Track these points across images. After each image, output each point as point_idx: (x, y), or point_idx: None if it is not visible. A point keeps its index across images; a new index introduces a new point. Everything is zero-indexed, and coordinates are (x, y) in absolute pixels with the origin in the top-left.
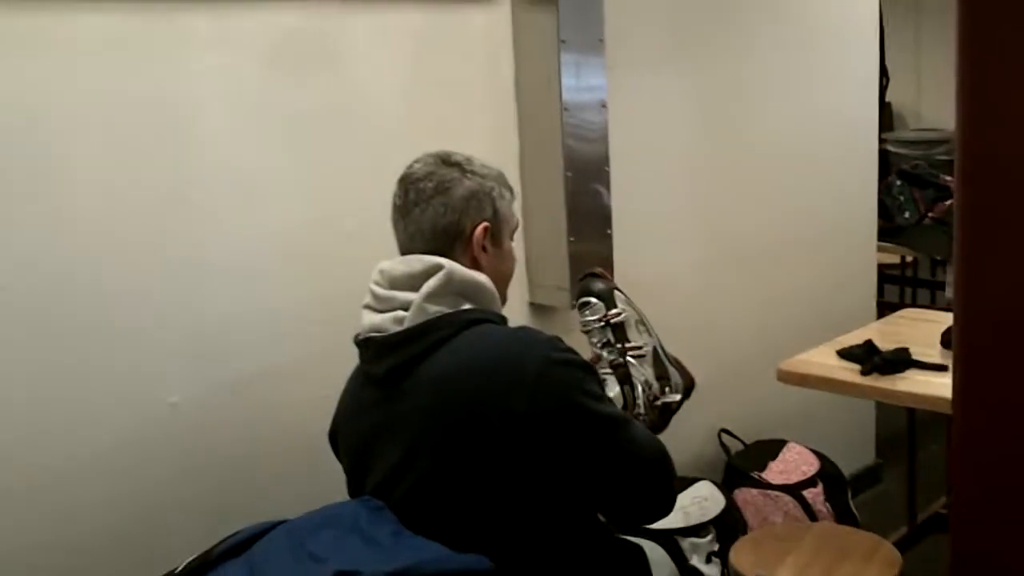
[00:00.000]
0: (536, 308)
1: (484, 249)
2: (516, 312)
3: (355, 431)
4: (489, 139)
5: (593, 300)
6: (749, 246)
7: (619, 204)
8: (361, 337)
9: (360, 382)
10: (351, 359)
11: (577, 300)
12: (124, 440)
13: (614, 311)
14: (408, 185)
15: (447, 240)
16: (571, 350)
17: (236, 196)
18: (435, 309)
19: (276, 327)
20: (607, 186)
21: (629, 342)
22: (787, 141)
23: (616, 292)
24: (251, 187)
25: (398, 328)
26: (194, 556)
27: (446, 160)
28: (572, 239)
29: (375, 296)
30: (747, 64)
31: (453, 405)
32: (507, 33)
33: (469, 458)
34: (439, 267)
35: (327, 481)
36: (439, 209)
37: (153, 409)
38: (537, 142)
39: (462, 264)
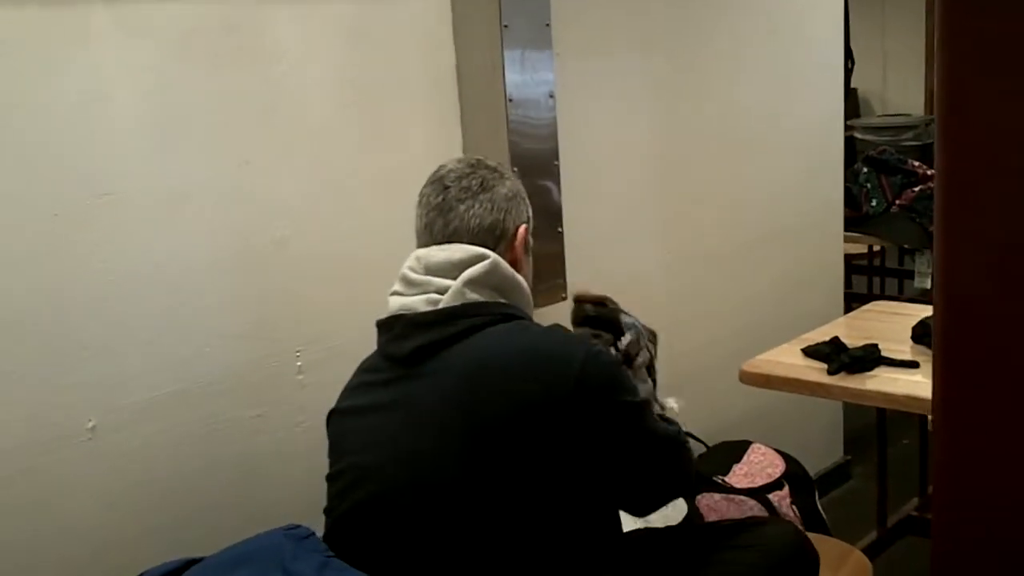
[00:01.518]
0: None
1: (523, 252)
2: None
3: (356, 409)
4: (430, 136)
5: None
6: (710, 241)
7: (570, 201)
8: (387, 316)
9: (374, 364)
10: (281, 377)
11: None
12: (39, 467)
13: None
14: (448, 183)
15: (492, 238)
16: (603, 348)
17: (152, 204)
18: (473, 296)
19: (199, 343)
20: (557, 182)
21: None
22: (749, 130)
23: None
24: (168, 194)
25: (431, 308)
26: None
27: (482, 163)
28: None
29: (407, 281)
30: (706, 51)
31: (487, 392)
32: (447, 20)
33: (501, 446)
34: (484, 256)
35: (255, 508)
36: (486, 206)
37: (70, 434)
38: (481, 137)
39: None
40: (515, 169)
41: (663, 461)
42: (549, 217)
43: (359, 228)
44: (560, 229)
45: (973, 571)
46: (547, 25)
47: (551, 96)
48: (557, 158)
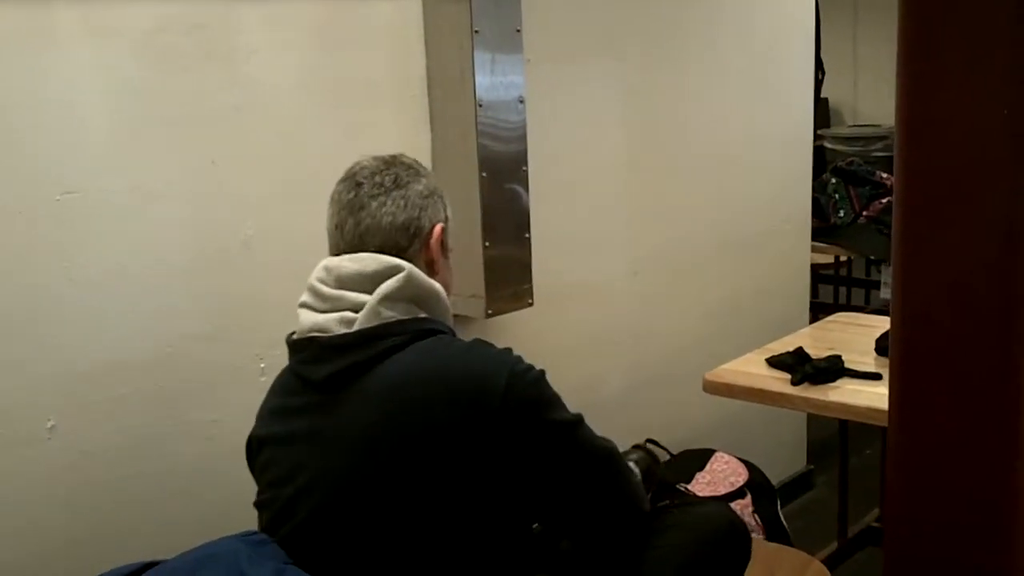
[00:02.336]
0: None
1: (439, 253)
2: None
3: (277, 438)
4: (398, 139)
5: None
6: (678, 249)
7: (538, 207)
8: (299, 337)
9: (289, 386)
10: (243, 379)
11: None
12: None
13: None
14: (360, 180)
15: (406, 236)
16: (528, 364)
17: (117, 204)
18: (389, 314)
19: (162, 344)
20: (525, 187)
21: None
22: (718, 139)
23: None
24: (134, 193)
25: (346, 330)
26: None
27: (397, 160)
28: (487, 244)
29: (318, 294)
30: (676, 59)
31: (407, 417)
32: (417, 24)
33: (426, 472)
34: (398, 268)
35: (213, 512)
36: (399, 203)
37: (29, 434)
38: (450, 141)
39: (419, 268)
40: (484, 174)
41: (601, 479)
42: (516, 222)
43: (325, 231)
44: (527, 234)
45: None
46: (518, 31)
47: (521, 101)
48: (526, 163)
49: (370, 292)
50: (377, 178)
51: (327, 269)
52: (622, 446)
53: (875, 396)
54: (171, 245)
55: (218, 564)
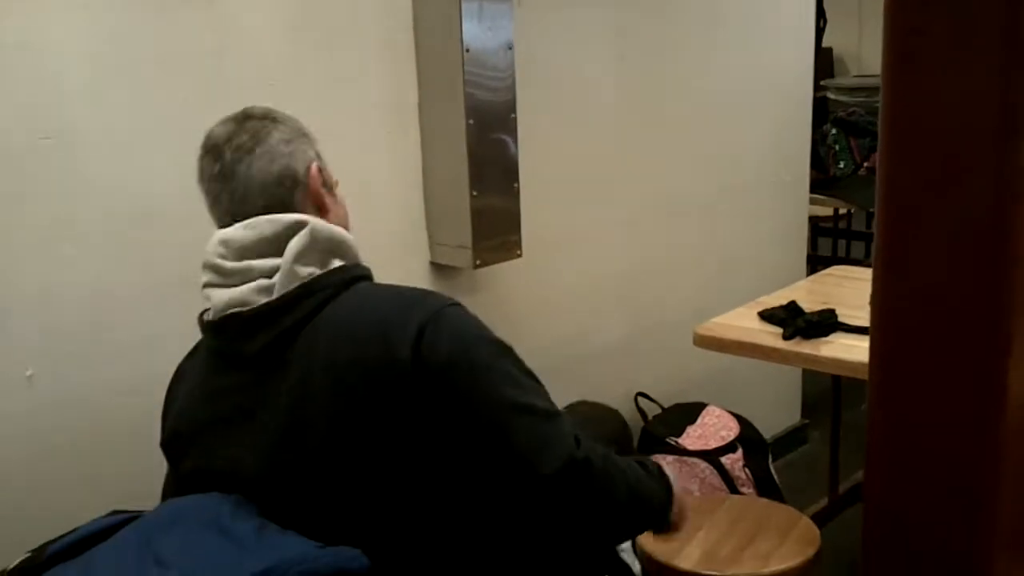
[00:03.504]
0: (437, 268)
1: (324, 193)
2: (416, 274)
3: (208, 422)
4: (384, 86)
5: None
6: (672, 199)
7: (527, 156)
8: (217, 316)
9: (209, 369)
10: None
11: None
12: None
13: None
14: (219, 149)
15: (285, 189)
16: (455, 306)
17: (97, 154)
18: (307, 271)
19: (142, 290)
20: (514, 136)
21: None
22: (715, 87)
23: None
24: (114, 144)
25: (267, 298)
26: (25, 553)
27: (247, 115)
28: (475, 194)
29: (220, 271)
30: (672, 4)
31: (346, 370)
32: None
33: (364, 427)
34: (299, 224)
35: None
36: (264, 158)
37: (8, 382)
38: (437, 89)
39: (310, 215)
40: (471, 122)
41: (529, 474)
42: (505, 171)
43: None
44: (516, 184)
45: (904, 528)
46: None
47: (509, 47)
48: (514, 111)
49: (277, 255)
50: (235, 141)
51: (224, 243)
52: (614, 398)
53: (868, 351)
54: (155, 189)
55: (197, 518)
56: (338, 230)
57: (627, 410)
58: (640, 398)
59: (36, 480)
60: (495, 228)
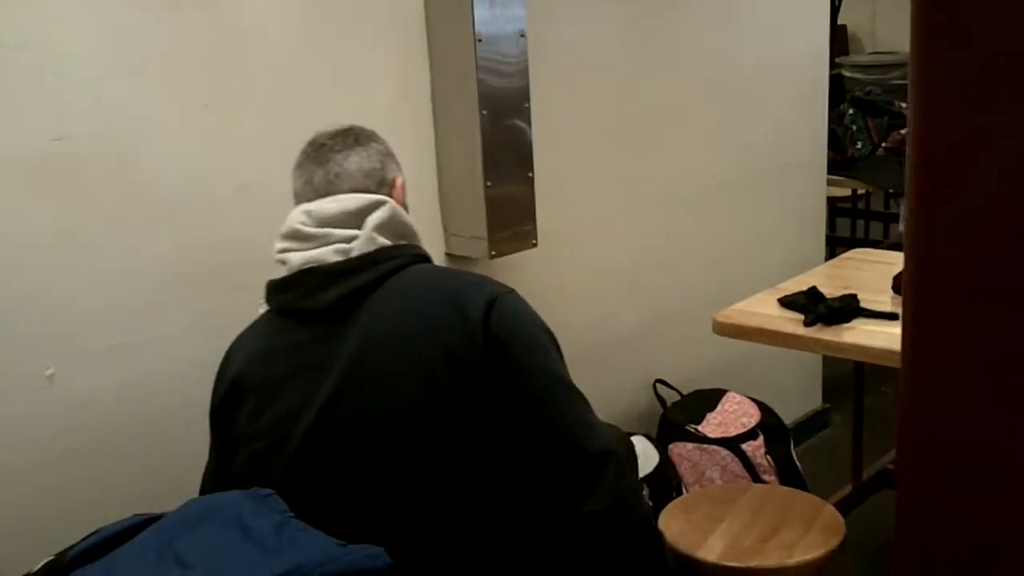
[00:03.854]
0: (452, 259)
1: (404, 207)
2: None
3: (277, 377)
4: (396, 76)
5: None
6: (687, 185)
7: (542, 144)
8: (291, 273)
9: (274, 328)
10: (244, 323)
11: None
12: None
13: None
14: (323, 140)
15: (373, 183)
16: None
17: (108, 150)
18: (383, 241)
19: (157, 290)
20: (528, 124)
21: None
22: (728, 70)
23: None
24: (125, 139)
25: (343, 258)
26: (48, 558)
27: (353, 127)
28: (489, 183)
29: (300, 236)
30: None
31: (416, 333)
32: None
33: (437, 387)
34: (382, 201)
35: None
36: (363, 154)
37: (28, 382)
38: (449, 78)
39: None
40: (484, 111)
41: (574, 457)
42: (520, 160)
43: None
44: (531, 173)
45: (937, 517)
46: None
47: (522, 35)
48: (528, 99)
49: (357, 227)
50: (339, 138)
51: (307, 212)
52: (633, 386)
53: (892, 337)
54: (166, 189)
55: (219, 517)
56: (412, 223)
57: (645, 397)
58: (659, 385)
59: (55, 480)
60: (510, 218)
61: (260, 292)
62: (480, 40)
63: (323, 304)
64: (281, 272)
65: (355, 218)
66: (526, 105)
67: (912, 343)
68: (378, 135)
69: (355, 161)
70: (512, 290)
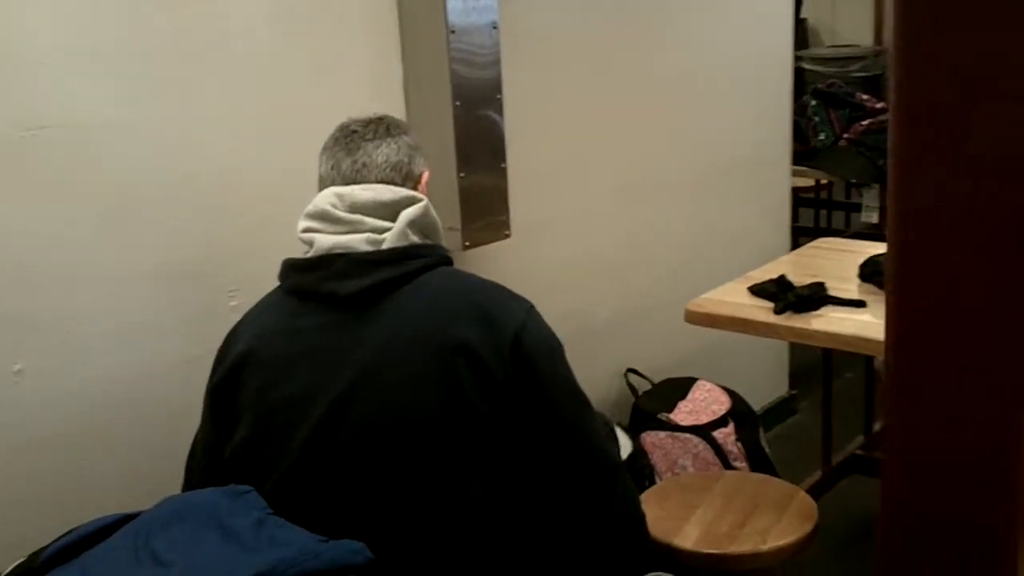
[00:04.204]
0: None
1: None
2: None
3: (291, 355)
4: (370, 67)
5: None
6: (658, 176)
7: (514, 135)
8: (318, 254)
9: (292, 306)
10: (216, 317)
11: None
12: None
13: None
14: (354, 128)
15: (399, 176)
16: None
17: (81, 149)
18: (414, 238)
19: (129, 281)
20: (500, 115)
21: None
22: (696, 63)
23: None
24: (100, 138)
25: (374, 248)
26: (20, 559)
27: (385, 116)
28: (463, 174)
29: (330, 218)
30: None
31: (443, 338)
32: None
33: (454, 388)
34: (416, 198)
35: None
36: (392, 146)
37: None
38: (422, 69)
39: None
40: (457, 102)
41: (593, 469)
42: (492, 151)
43: (299, 163)
44: (503, 164)
45: (923, 507)
46: None
47: (495, 26)
48: (500, 91)
49: (388, 219)
50: (371, 126)
51: (339, 195)
52: (605, 376)
53: (860, 324)
54: (143, 178)
55: (196, 515)
56: (439, 220)
57: (617, 387)
58: (630, 374)
59: (25, 478)
60: (483, 209)
61: (239, 284)
62: (453, 31)
63: (347, 291)
64: (303, 252)
65: (388, 210)
66: (498, 96)
67: (897, 336)
68: (408, 127)
69: (384, 152)
70: (532, 305)
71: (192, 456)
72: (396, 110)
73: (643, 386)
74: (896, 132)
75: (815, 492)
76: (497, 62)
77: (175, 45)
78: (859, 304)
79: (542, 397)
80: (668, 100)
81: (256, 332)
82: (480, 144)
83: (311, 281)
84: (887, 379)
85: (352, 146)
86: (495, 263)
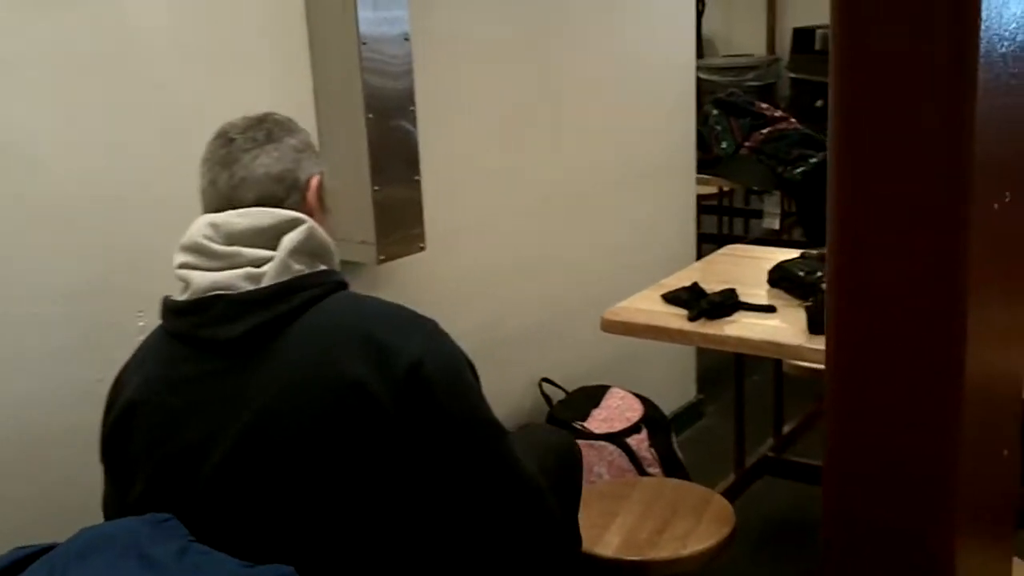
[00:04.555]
0: (341, 266)
1: (316, 205)
2: None
3: (175, 408)
4: (279, 79)
5: None
6: (571, 185)
7: (428, 146)
8: (195, 297)
9: (173, 353)
10: (124, 337)
11: None
12: None
13: None
14: (232, 136)
15: (283, 188)
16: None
17: None
18: (298, 267)
19: (32, 302)
20: (413, 126)
21: None
22: (603, 73)
23: None
24: (14, 147)
25: (255, 286)
26: None
27: (269, 117)
28: (377, 188)
29: (205, 252)
30: None
31: (334, 379)
32: None
33: (342, 436)
34: (297, 220)
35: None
36: (273, 155)
37: None
38: (333, 80)
39: None
40: (370, 114)
41: (517, 498)
42: (406, 163)
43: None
44: (417, 176)
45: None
46: None
47: (406, 37)
48: (413, 102)
49: (268, 247)
50: (249, 133)
51: (213, 226)
52: (520, 386)
53: (770, 329)
54: (43, 196)
55: (113, 545)
56: (329, 239)
57: (532, 396)
58: (544, 383)
59: None
60: (398, 222)
61: (146, 303)
62: (365, 42)
63: (229, 336)
64: (180, 289)
65: (268, 236)
66: (411, 108)
67: (837, 349)
68: (295, 125)
69: (264, 163)
70: (434, 327)
71: (104, 508)
72: (307, 124)
73: (558, 395)
74: (837, 154)
75: (729, 495)
76: (409, 72)
77: (69, 57)
78: (769, 309)
79: (448, 431)
80: (578, 109)
81: (141, 379)
82: (394, 156)
83: (189, 326)
84: (828, 396)
85: (228, 158)
86: (410, 276)
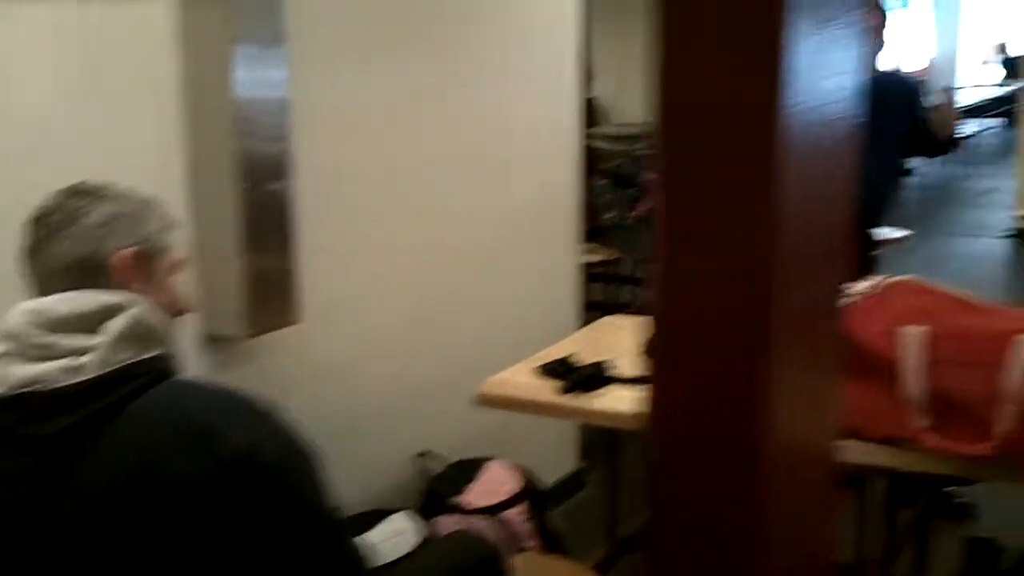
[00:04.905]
0: (210, 341)
1: (135, 281)
2: (186, 346)
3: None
4: (150, 146)
5: None
6: (449, 253)
7: (304, 214)
8: (9, 392)
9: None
10: None
11: None
12: None
13: None
14: (35, 223)
15: (88, 276)
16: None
17: None
18: (123, 356)
19: None
20: (290, 197)
21: None
22: (485, 142)
23: None
24: None
25: (74, 379)
26: None
27: (77, 190)
28: (248, 257)
29: (23, 341)
30: (442, 62)
31: (162, 472)
32: (172, 23)
33: (173, 532)
34: (122, 305)
35: None
36: (67, 243)
37: None
38: (207, 145)
39: None
40: (244, 181)
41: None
42: (281, 232)
43: None
44: (292, 247)
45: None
46: (280, 32)
47: (284, 101)
48: (291, 168)
49: (90, 333)
50: (51, 218)
51: (34, 312)
52: (399, 460)
53: (640, 401)
54: None
55: None
56: (157, 317)
57: (410, 470)
58: (423, 456)
59: None
60: (271, 293)
61: None
62: (240, 106)
63: (47, 433)
64: None
65: (90, 323)
66: (288, 174)
67: (656, 409)
68: (109, 192)
69: (63, 251)
70: (271, 416)
71: None
72: (179, 192)
73: (438, 467)
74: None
75: (602, 568)
76: (287, 137)
77: None
78: (641, 381)
79: (277, 522)
80: (461, 177)
81: None
82: (268, 225)
83: (7, 423)
84: (650, 465)
85: (35, 249)
86: (283, 349)
